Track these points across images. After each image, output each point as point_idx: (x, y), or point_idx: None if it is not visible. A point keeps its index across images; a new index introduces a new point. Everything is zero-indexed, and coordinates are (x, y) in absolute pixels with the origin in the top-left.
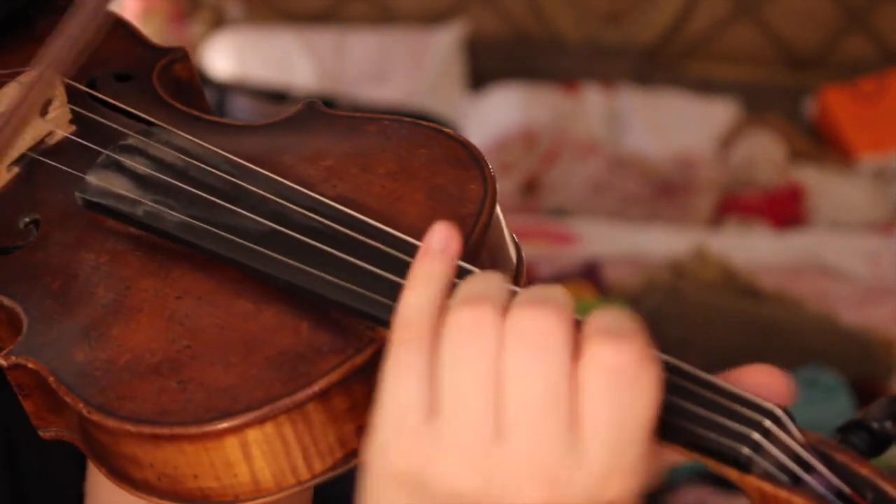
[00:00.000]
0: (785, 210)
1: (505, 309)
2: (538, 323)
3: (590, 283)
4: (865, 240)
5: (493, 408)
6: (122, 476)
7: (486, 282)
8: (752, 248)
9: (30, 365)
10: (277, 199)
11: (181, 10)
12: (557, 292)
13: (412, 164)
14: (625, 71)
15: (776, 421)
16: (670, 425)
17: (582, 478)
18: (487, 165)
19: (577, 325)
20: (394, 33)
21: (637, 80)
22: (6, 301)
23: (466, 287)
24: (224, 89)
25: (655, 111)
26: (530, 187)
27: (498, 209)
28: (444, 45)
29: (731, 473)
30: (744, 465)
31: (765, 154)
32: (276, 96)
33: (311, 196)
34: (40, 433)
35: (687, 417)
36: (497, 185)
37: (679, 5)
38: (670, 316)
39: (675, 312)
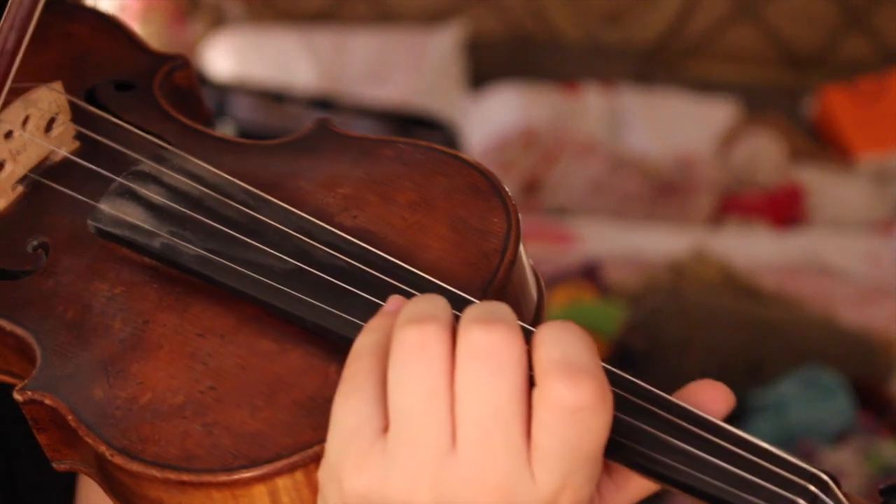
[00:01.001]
0: (785, 210)
1: (451, 327)
2: (490, 340)
3: (590, 283)
4: (865, 240)
5: (444, 423)
6: None
7: (430, 301)
8: (752, 248)
9: (47, 402)
10: (299, 236)
11: (181, 10)
12: (504, 309)
13: (432, 193)
14: (625, 71)
15: (822, 487)
16: (726, 493)
17: (534, 493)
18: (509, 196)
19: (528, 337)
20: (394, 33)
21: (637, 80)
22: (18, 330)
23: (411, 307)
24: (224, 89)
25: (655, 111)
26: (530, 187)
27: (521, 246)
28: (444, 45)
29: None
30: None
31: (765, 154)
32: (277, 96)
33: (333, 232)
34: (54, 465)
35: (736, 483)
36: (520, 218)
37: (679, 5)
38: (670, 316)
39: (675, 312)
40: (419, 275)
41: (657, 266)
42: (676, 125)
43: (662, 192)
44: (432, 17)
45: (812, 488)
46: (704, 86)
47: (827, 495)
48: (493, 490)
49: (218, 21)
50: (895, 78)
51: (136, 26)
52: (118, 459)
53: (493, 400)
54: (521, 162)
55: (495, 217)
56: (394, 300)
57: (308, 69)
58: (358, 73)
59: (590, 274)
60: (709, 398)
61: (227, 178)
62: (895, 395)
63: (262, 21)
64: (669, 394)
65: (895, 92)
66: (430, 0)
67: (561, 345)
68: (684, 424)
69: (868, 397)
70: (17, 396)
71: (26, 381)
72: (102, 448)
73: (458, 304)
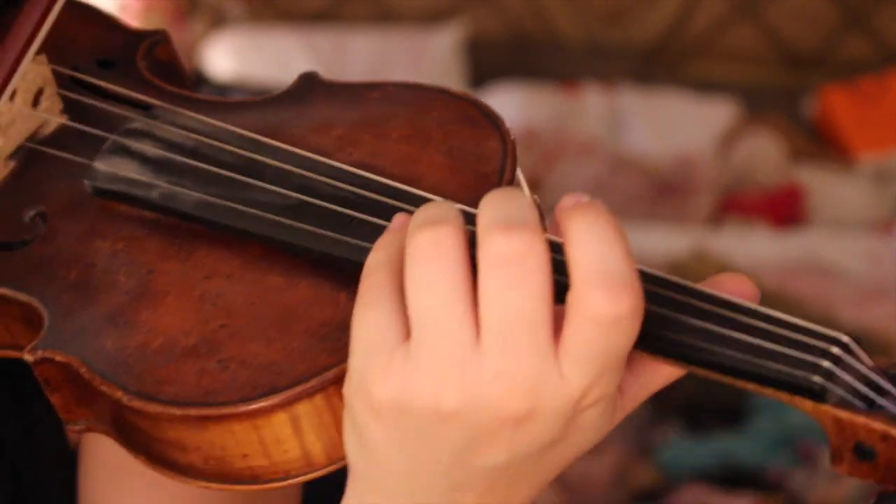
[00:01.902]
0: (785, 210)
1: (464, 229)
2: (513, 247)
3: None
4: (865, 240)
5: (467, 323)
6: (165, 462)
7: (439, 206)
8: (752, 248)
9: (58, 358)
10: (299, 171)
11: (181, 10)
12: (524, 208)
13: (425, 126)
14: (625, 71)
15: (844, 347)
16: (742, 363)
17: (562, 389)
18: (503, 122)
19: (550, 244)
20: (394, 33)
21: (637, 80)
22: (21, 296)
23: (420, 213)
24: (224, 89)
25: (655, 111)
26: (530, 187)
27: (519, 170)
28: (444, 45)
29: (805, 405)
30: (818, 395)
31: (765, 154)
32: None
33: (333, 165)
34: (68, 427)
35: (757, 353)
36: (516, 141)
37: (679, 5)
38: None
39: None
40: (422, 195)
41: (657, 266)
42: (676, 125)
43: (662, 192)
44: (432, 17)
45: (834, 349)
46: (704, 86)
47: (849, 355)
48: (520, 386)
49: (218, 21)
50: (895, 78)
51: (137, 26)
52: (136, 403)
53: (520, 306)
54: (522, 162)
55: (490, 141)
56: (399, 217)
57: (308, 69)
58: (358, 73)
59: None
60: (732, 288)
61: (220, 126)
62: None
63: (262, 21)
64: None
65: (895, 92)
66: (430, 0)
67: (601, 251)
68: (692, 301)
69: None
70: (28, 357)
71: (35, 341)
72: (119, 394)
73: (467, 218)
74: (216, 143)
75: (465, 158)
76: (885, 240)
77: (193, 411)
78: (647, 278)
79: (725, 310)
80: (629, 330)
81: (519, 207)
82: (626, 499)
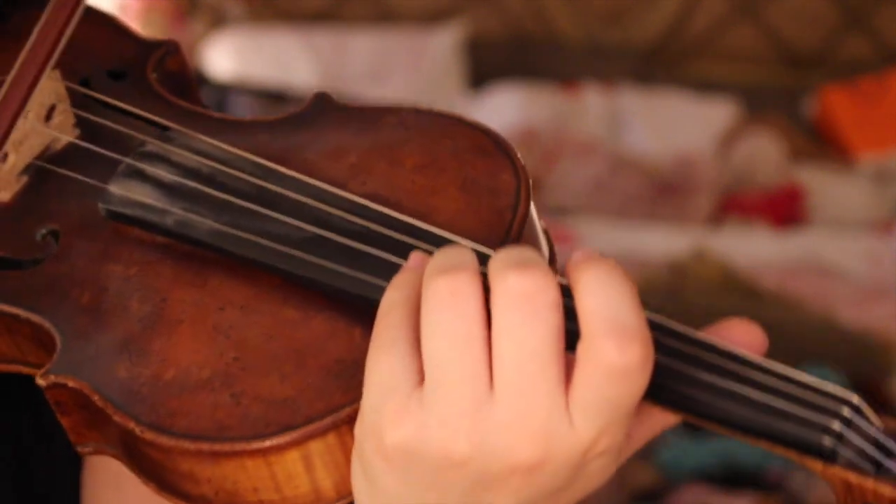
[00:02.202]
0: (785, 210)
1: (479, 275)
2: (526, 284)
3: None
4: (865, 240)
5: (480, 370)
6: (175, 492)
7: (457, 252)
8: (752, 248)
9: (70, 384)
10: (314, 203)
11: (181, 10)
12: (533, 253)
13: (439, 155)
14: (625, 71)
15: (855, 409)
16: (755, 422)
17: (572, 436)
18: (516, 153)
19: (567, 292)
20: (394, 33)
21: (637, 80)
22: (33, 317)
23: (438, 259)
24: (224, 89)
25: (655, 111)
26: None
27: (532, 203)
28: (444, 45)
29: (815, 465)
30: (829, 456)
31: (765, 154)
32: (277, 96)
33: (347, 198)
34: (77, 448)
35: (767, 412)
36: (529, 175)
37: (679, 5)
38: (670, 316)
39: (675, 312)
40: (437, 232)
41: (657, 266)
42: (676, 125)
43: (662, 192)
44: (432, 17)
45: (845, 412)
46: (704, 86)
47: (860, 416)
48: (532, 435)
49: (218, 21)
50: (895, 78)
51: (137, 26)
52: (149, 435)
53: (532, 343)
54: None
55: (504, 174)
56: (415, 256)
57: (308, 69)
58: (358, 72)
59: None
60: (740, 337)
61: (235, 152)
62: (895, 395)
63: (262, 21)
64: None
65: (895, 92)
66: (430, 0)
67: (611, 301)
68: (705, 354)
69: (868, 397)
70: (41, 381)
71: (48, 365)
72: (132, 425)
73: (479, 259)
74: (231, 170)
75: (479, 192)
76: (885, 240)
77: (206, 446)
78: (657, 328)
79: (737, 364)
80: (639, 381)
81: (530, 252)
82: (626, 499)
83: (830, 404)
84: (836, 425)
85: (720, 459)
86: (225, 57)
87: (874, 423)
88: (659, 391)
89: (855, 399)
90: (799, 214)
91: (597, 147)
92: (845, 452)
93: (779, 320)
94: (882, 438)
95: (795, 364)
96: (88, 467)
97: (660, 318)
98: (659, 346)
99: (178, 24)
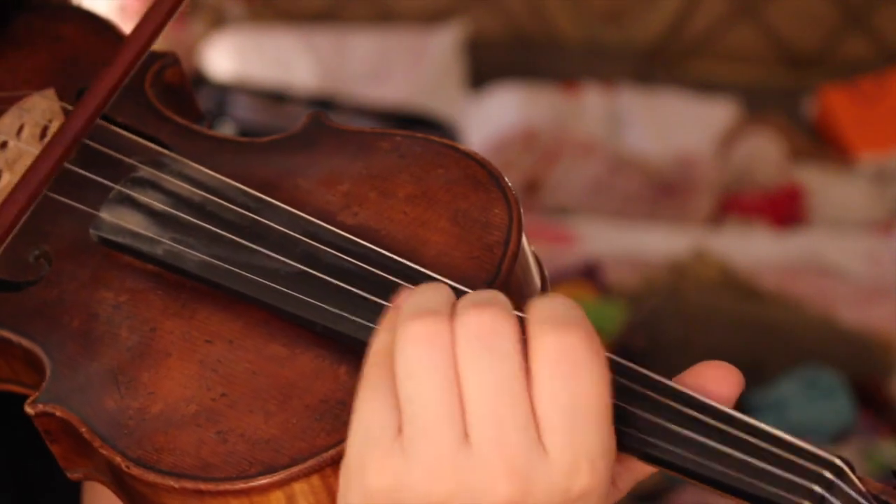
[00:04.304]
0: (785, 210)
1: (452, 317)
2: (482, 321)
3: (590, 283)
4: (865, 240)
5: (455, 413)
6: None
7: (430, 293)
8: (752, 248)
9: (58, 413)
10: (303, 238)
11: (181, 10)
12: (495, 293)
13: (431, 186)
14: (625, 71)
15: (838, 472)
16: (734, 480)
17: (549, 469)
18: (508, 185)
19: (523, 322)
20: (394, 33)
21: (637, 80)
22: (24, 342)
23: (412, 301)
24: (224, 89)
25: (655, 111)
26: (530, 187)
27: (523, 235)
28: (444, 45)
29: None
30: None
31: (765, 154)
32: (277, 96)
33: (337, 234)
34: (68, 474)
35: (748, 471)
36: (521, 208)
37: (679, 5)
38: (670, 316)
39: (675, 312)
40: (424, 273)
41: (657, 266)
42: (676, 125)
43: (662, 192)
44: (432, 17)
45: (827, 475)
46: (704, 86)
47: (843, 481)
48: (508, 471)
49: (218, 21)
50: (895, 78)
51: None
52: (135, 471)
53: (494, 376)
54: (521, 162)
55: (496, 208)
56: (402, 295)
57: (308, 69)
58: (358, 73)
59: (590, 274)
60: (715, 381)
61: (226, 182)
62: (895, 395)
63: (262, 21)
64: (672, 376)
65: (895, 92)
66: (430, 0)
67: (548, 305)
68: (686, 410)
69: (868, 397)
70: (29, 410)
71: (37, 394)
72: (118, 460)
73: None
74: (222, 200)
75: (470, 226)
76: (885, 240)
77: (190, 484)
78: (641, 381)
79: (720, 422)
80: (587, 369)
81: (490, 292)
82: (626, 499)
83: (813, 466)
84: (818, 489)
85: None
86: (225, 57)
87: (856, 487)
88: (639, 445)
89: (838, 461)
90: (799, 214)
91: (597, 147)
92: None
93: (779, 320)
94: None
95: (796, 364)
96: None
97: (629, 365)
98: (626, 392)
99: (178, 24)
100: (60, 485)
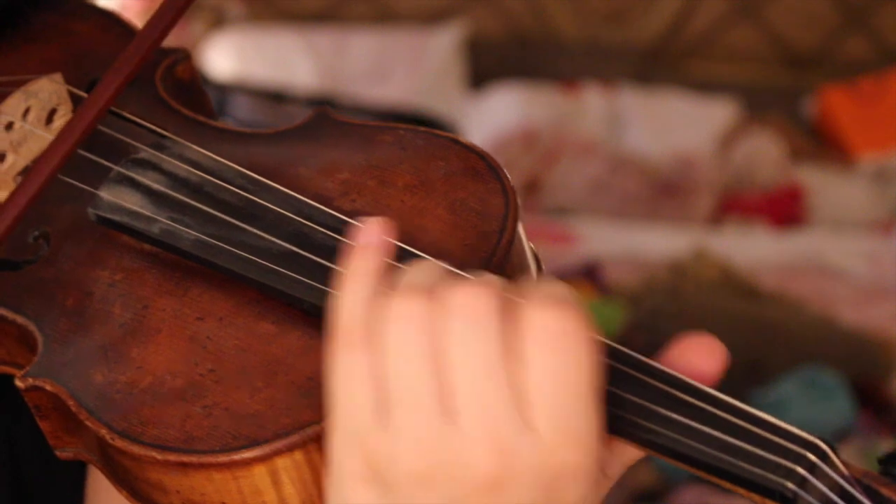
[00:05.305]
0: (785, 210)
1: (437, 296)
2: (466, 296)
3: (590, 283)
4: (865, 240)
5: (438, 390)
6: (146, 500)
7: (420, 272)
8: (752, 248)
9: (48, 387)
10: (297, 218)
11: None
12: (484, 274)
13: (430, 176)
14: (625, 71)
15: (821, 455)
16: (718, 460)
17: (531, 444)
18: (507, 177)
19: (515, 304)
20: (394, 33)
21: (637, 80)
22: (19, 319)
23: (402, 279)
24: (224, 89)
25: (655, 111)
26: (530, 187)
27: (520, 224)
28: (444, 45)
29: None
30: (790, 501)
31: (765, 154)
32: (277, 96)
33: (332, 215)
34: (57, 453)
35: (730, 451)
36: (518, 199)
37: (679, 5)
38: (670, 316)
39: (675, 312)
40: (417, 254)
41: (657, 266)
42: (676, 125)
43: (662, 192)
44: (432, 17)
45: (810, 456)
46: (704, 86)
47: (825, 463)
48: (492, 444)
49: (218, 21)
50: (895, 78)
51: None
52: (119, 443)
53: (479, 352)
54: (521, 162)
55: (493, 198)
56: (367, 228)
57: (308, 69)
58: (358, 72)
59: (590, 274)
60: (699, 358)
61: (226, 164)
62: (895, 395)
63: (262, 21)
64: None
65: (895, 92)
66: (430, 0)
67: (539, 286)
68: (672, 391)
69: (868, 397)
70: (19, 383)
71: (27, 368)
72: (103, 432)
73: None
74: (220, 181)
75: (467, 214)
76: (885, 240)
77: (173, 457)
78: (626, 361)
79: (705, 403)
80: (576, 347)
81: (480, 274)
82: (626, 499)
83: (795, 447)
84: (800, 470)
85: None
86: (225, 57)
87: (839, 470)
88: (624, 426)
89: (821, 444)
90: (799, 214)
91: (597, 147)
92: (807, 498)
93: (779, 320)
94: (847, 486)
95: (795, 364)
96: (92, 472)
97: (616, 346)
98: (626, 381)
99: (179, 24)
100: (61, 485)
